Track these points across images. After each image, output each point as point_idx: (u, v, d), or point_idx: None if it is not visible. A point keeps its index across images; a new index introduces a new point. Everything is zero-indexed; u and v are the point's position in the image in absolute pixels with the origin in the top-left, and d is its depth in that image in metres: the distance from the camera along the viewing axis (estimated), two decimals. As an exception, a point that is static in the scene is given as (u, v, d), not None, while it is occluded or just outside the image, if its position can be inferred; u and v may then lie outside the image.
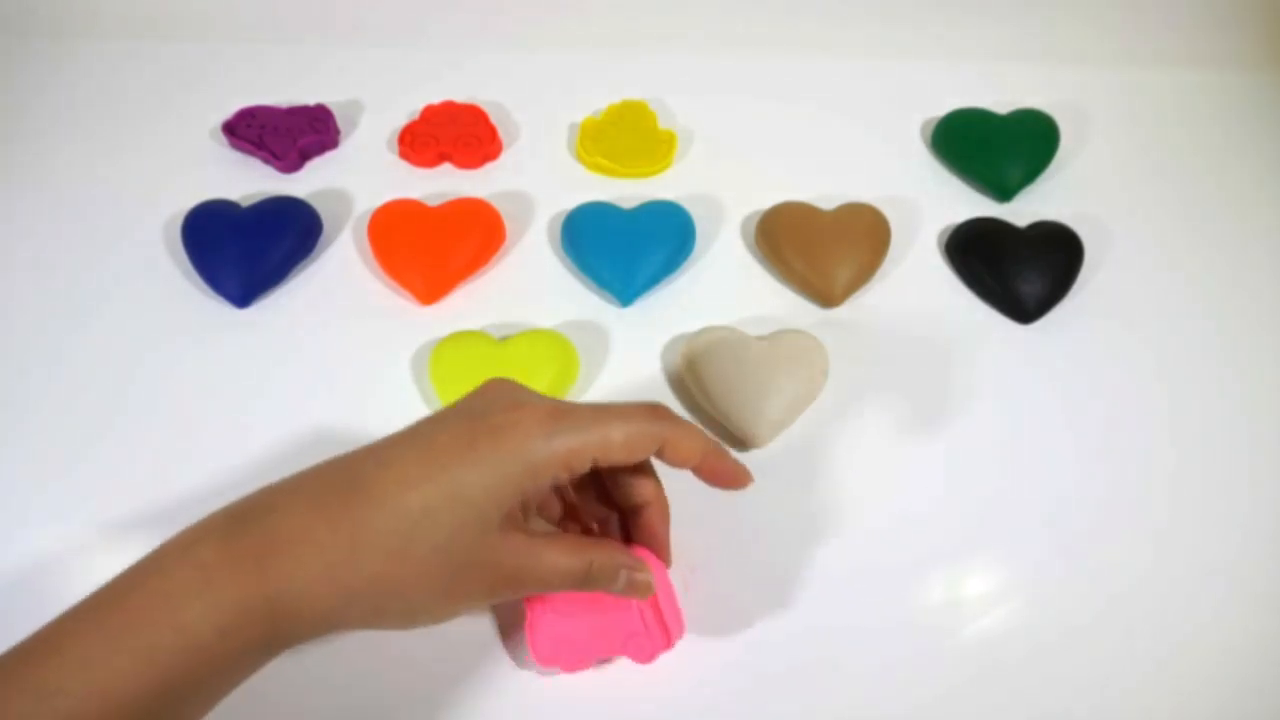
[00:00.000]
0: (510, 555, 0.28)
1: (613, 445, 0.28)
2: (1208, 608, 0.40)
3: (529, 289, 0.51)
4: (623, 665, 0.35)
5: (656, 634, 0.33)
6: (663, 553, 0.34)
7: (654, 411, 0.30)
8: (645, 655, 0.33)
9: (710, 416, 0.45)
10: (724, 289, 0.51)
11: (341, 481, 0.28)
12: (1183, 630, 0.39)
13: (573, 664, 0.34)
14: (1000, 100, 0.60)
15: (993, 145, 0.57)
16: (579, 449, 0.28)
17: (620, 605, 0.33)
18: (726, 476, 0.32)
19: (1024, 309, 0.50)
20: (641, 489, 0.33)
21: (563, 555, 0.29)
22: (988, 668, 0.38)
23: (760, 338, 0.46)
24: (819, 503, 0.42)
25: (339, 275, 0.51)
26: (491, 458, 0.27)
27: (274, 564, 0.26)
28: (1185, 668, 0.38)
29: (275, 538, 0.26)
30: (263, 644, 0.26)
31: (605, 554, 0.30)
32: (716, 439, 0.32)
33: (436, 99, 0.59)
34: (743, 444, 0.44)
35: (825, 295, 0.50)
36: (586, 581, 0.29)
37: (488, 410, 0.28)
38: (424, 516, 0.26)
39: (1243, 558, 0.41)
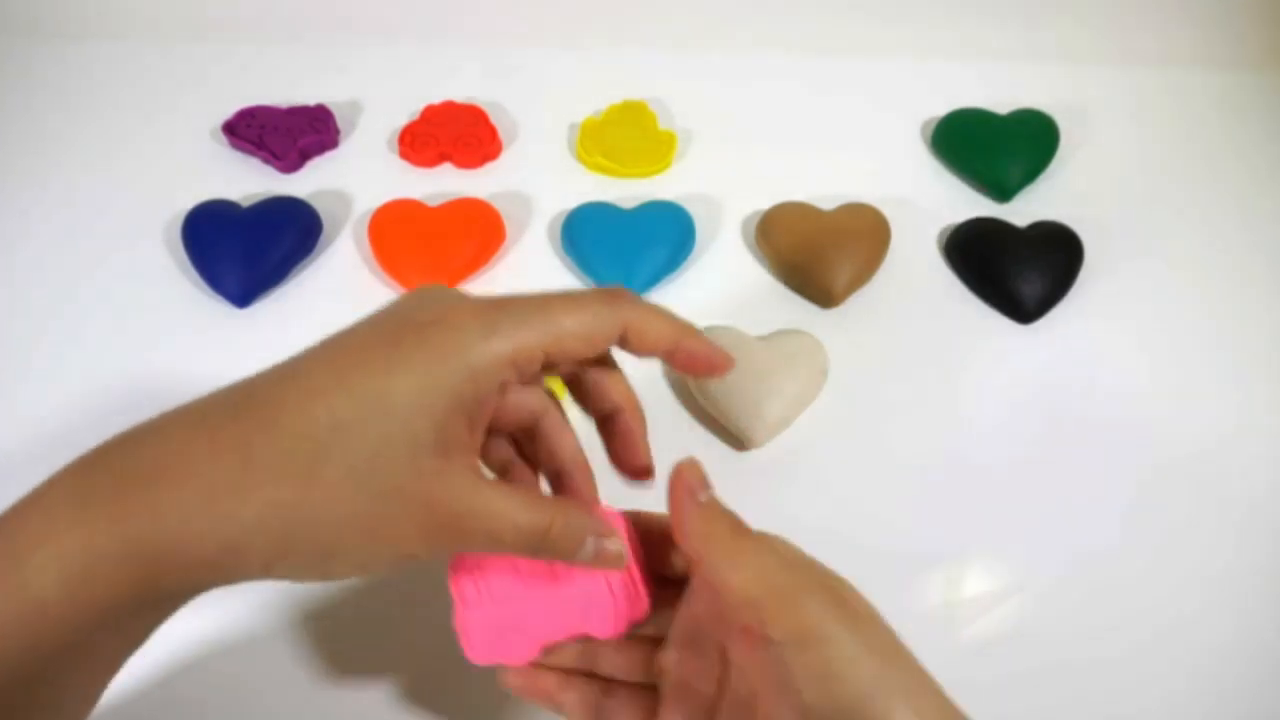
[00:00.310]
0: (449, 491, 0.22)
1: (566, 336, 0.24)
2: (1208, 607, 0.40)
3: (529, 289, 0.51)
4: None
5: (627, 599, 0.28)
6: (643, 459, 0.29)
7: (611, 294, 0.25)
8: (611, 626, 0.28)
9: (710, 416, 0.45)
10: (724, 289, 0.51)
11: (234, 399, 0.22)
12: (1183, 630, 0.39)
13: (518, 655, 0.28)
14: (1000, 100, 0.60)
15: (993, 145, 0.57)
16: (527, 344, 0.23)
17: (580, 575, 0.28)
18: (704, 360, 0.27)
19: (1024, 309, 0.50)
20: (612, 390, 0.28)
21: (518, 506, 0.23)
22: (987, 668, 0.38)
23: (760, 338, 0.46)
24: (818, 502, 0.42)
25: (339, 275, 0.51)
26: (420, 360, 0.22)
27: (136, 497, 0.21)
28: (1184, 667, 0.38)
29: (140, 466, 0.21)
30: (133, 599, 0.21)
31: (570, 513, 0.24)
32: (687, 320, 0.27)
33: (436, 99, 0.59)
34: (742, 444, 0.44)
35: (825, 295, 0.50)
36: (544, 545, 0.24)
37: (415, 309, 0.24)
38: (335, 431, 0.21)
39: (1244, 558, 0.41)
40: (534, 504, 0.24)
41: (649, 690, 0.28)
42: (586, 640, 0.28)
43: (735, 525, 0.25)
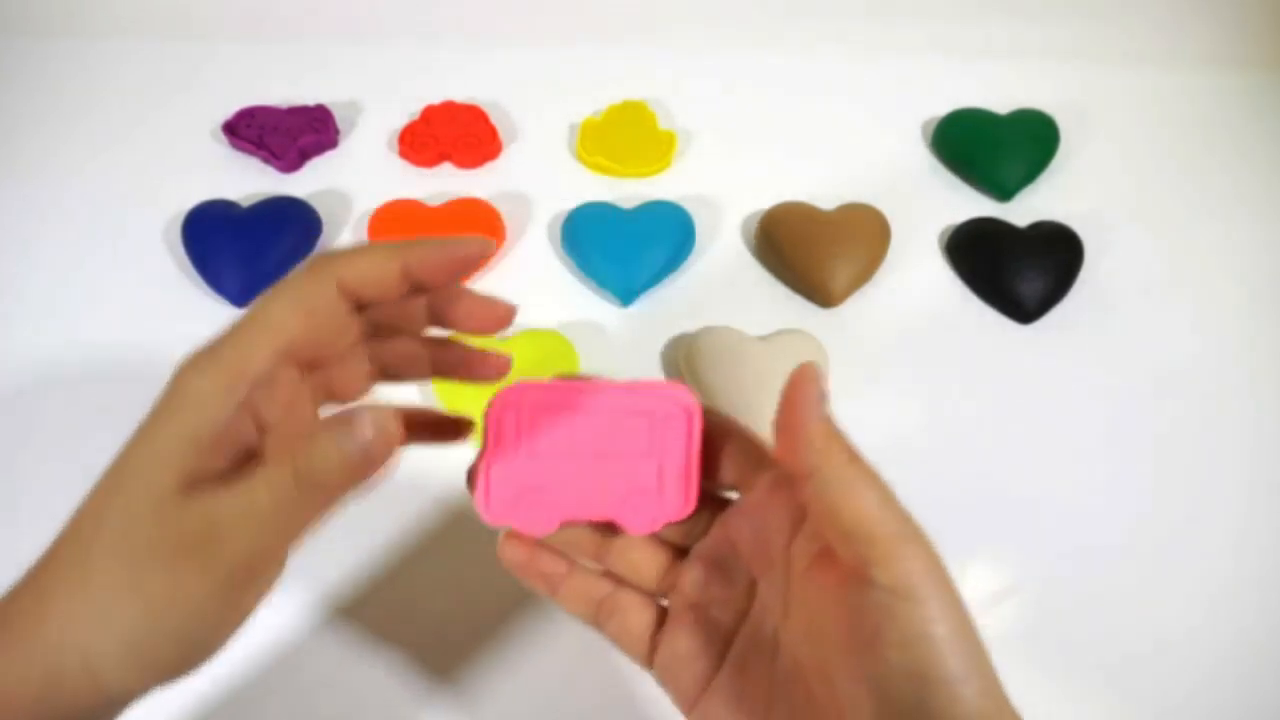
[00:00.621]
0: (193, 513, 0.21)
1: (285, 330, 0.22)
2: (1206, 606, 0.40)
3: (529, 289, 0.51)
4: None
5: (673, 494, 0.25)
6: (499, 308, 0.25)
7: (309, 264, 0.23)
8: (647, 520, 0.25)
9: (710, 416, 0.45)
10: (724, 289, 0.51)
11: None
12: (1180, 628, 0.39)
13: (535, 523, 0.25)
14: (1000, 100, 0.60)
15: (993, 145, 0.57)
16: (248, 359, 0.22)
17: (637, 452, 0.25)
18: (451, 263, 0.23)
19: (1024, 309, 0.50)
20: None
21: (256, 476, 0.21)
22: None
23: (760, 338, 0.46)
24: (819, 503, 0.42)
25: (339, 275, 0.51)
26: (147, 429, 0.22)
27: None
28: (1180, 663, 0.38)
29: None
30: None
31: (310, 439, 0.21)
32: (405, 240, 0.24)
33: (436, 99, 0.59)
34: (743, 444, 0.44)
35: (825, 295, 0.50)
36: (300, 484, 0.21)
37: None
38: (95, 522, 0.21)
39: (1242, 556, 0.41)
40: (269, 461, 0.21)
41: (653, 600, 0.26)
42: (608, 529, 0.26)
43: (854, 450, 0.22)
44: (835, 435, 0.22)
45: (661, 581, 0.26)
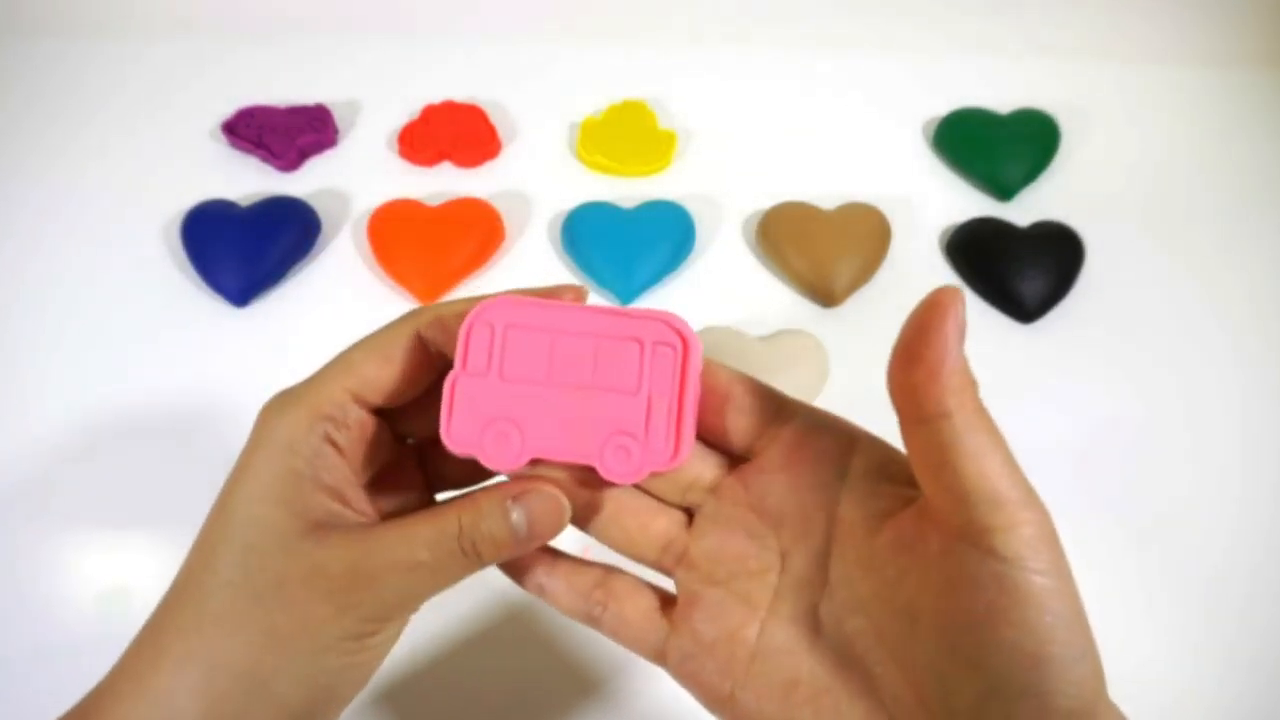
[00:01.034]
0: (333, 551, 0.20)
1: (362, 367, 0.22)
2: (1206, 605, 0.40)
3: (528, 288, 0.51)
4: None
5: (659, 442, 0.21)
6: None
7: (398, 317, 0.23)
8: (626, 470, 0.22)
9: (710, 416, 0.45)
10: (724, 289, 0.51)
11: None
12: (1179, 628, 0.39)
13: (500, 456, 0.22)
14: (1001, 99, 0.60)
15: (994, 144, 0.57)
16: (327, 395, 0.22)
17: (623, 385, 0.22)
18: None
19: (1024, 309, 0.50)
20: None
21: (415, 526, 0.21)
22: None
23: (760, 338, 0.46)
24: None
25: (338, 274, 0.51)
26: (247, 463, 0.21)
27: None
28: (1180, 664, 0.38)
29: (87, 704, 0.21)
30: None
31: (477, 500, 0.21)
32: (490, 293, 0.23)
33: (436, 98, 0.59)
34: (742, 444, 0.44)
35: (825, 295, 0.50)
36: (469, 546, 0.21)
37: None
38: (206, 566, 0.21)
39: (1242, 555, 0.41)
40: (431, 517, 0.21)
41: (648, 583, 0.24)
42: (591, 480, 0.23)
43: (980, 399, 0.19)
44: (971, 379, 0.19)
45: (664, 554, 0.24)
